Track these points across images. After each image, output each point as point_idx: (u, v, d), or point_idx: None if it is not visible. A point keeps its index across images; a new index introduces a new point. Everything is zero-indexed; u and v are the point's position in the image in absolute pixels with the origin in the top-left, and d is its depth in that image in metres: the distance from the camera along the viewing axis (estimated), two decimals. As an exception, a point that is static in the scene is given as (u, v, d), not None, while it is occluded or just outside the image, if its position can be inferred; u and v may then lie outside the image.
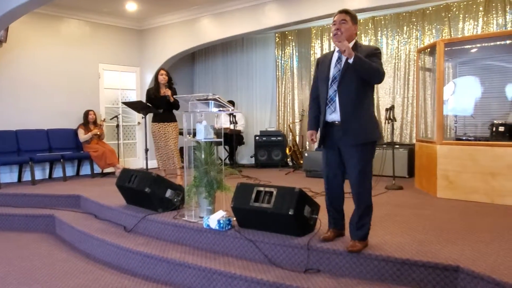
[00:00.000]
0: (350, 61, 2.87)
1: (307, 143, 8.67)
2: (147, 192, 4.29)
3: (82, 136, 7.44)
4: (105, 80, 8.33)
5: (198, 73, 10.17)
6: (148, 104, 5.87)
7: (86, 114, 7.61)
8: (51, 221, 5.13)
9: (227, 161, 8.48)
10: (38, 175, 7.13)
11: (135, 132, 8.92)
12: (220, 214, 3.67)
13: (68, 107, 7.71)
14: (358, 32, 7.79)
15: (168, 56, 8.53)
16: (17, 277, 3.64)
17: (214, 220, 3.64)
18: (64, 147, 7.39)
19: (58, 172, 7.30)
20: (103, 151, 7.31)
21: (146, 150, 6.14)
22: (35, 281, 3.53)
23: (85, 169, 7.73)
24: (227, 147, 8.48)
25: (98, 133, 7.56)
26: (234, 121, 8.17)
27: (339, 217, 3.30)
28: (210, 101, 3.99)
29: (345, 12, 3.08)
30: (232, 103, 8.35)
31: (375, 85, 7.69)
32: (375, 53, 3.00)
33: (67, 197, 5.63)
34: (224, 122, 8.50)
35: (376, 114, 7.66)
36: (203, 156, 3.93)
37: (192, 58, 10.13)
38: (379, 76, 2.95)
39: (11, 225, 5.22)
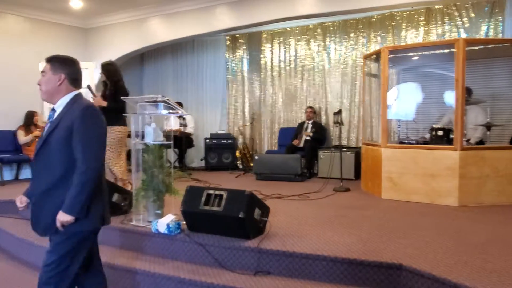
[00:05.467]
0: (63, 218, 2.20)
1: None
2: (93, 197, 4.14)
3: (22, 138, 7.07)
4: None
5: (147, 74, 9.97)
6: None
7: (29, 115, 7.25)
8: (-13, 229, 4.83)
9: (177, 164, 8.36)
10: (-27, 179, 6.70)
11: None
12: (169, 218, 3.60)
13: (6, 107, 7.29)
14: (308, 38, 8.00)
15: (116, 56, 8.27)
16: None
17: (163, 224, 3.57)
18: (1, 150, 6.99)
19: (-5, 176, 6.90)
20: (45, 154, 6.97)
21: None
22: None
23: (26, 173, 7.35)
24: (176, 149, 8.36)
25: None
26: (183, 123, 8.06)
27: None
28: (159, 103, 3.92)
29: (47, 60, 2.39)
30: (180, 104, 8.23)
31: (326, 90, 7.79)
32: (78, 125, 2.23)
33: (5, 203, 5.30)
34: (173, 124, 8.38)
35: (324, 118, 7.87)
36: (151, 159, 3.86)
37: (141, 59, 9.91)
38: (87, 185, 2.22)
39: None
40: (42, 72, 2.38)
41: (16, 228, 4.52)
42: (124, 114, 5.17)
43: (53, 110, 2.39)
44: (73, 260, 2.31)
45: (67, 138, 2.24)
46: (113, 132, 5.12)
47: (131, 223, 3.91)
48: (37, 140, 7.06)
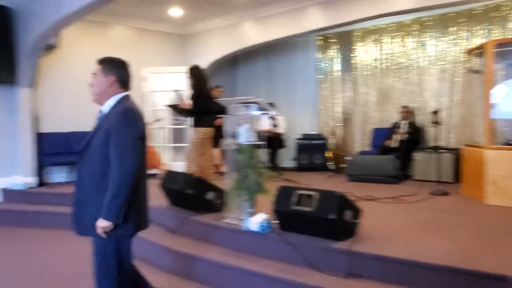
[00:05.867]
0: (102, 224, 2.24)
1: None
2: (189, 194, 4.38)
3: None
4: (152, 84, 8.45)
5: (240, 76, 10.27)
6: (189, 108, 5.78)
7: None
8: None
9: (268, 164, 8.49)
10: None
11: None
12: (260, 217, 3.69)
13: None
14: (403, 34, 7.68)
15: (211, 60, 8.67)
16: (68, 270, 3.81)
17: (254, 222, 3.67)
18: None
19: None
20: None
21: (189, 153, 6.24)
22: (85, 277, 3.68)
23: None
24: (269, 149, 8.50)
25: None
26: (275, 124, 8.18)
27: None
28: (251, 104, 4.03)
29: (99, 61, 2.48)
30: (272, 105, 8.33)
31: (423, 88, 7.39)
32: (116, 128, 2.28)
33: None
34: (265, 125, 8.53)
35: (420, 118, 7.49)
36: (244, 159, 3.97)
37: (234, 62, 10.24)
38: (122, 189, 2.23)
39: (59, 223, 5.44)
40: (94, 74, 2.44)
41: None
42: (219, 116, 5.38)
43: (100, 112, 2.45)
44: (118, 260, 2.35)
45: (106, 141, 2.27)
46: (197, 133, 5.37)
47: (224, 220, 4.07)
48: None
